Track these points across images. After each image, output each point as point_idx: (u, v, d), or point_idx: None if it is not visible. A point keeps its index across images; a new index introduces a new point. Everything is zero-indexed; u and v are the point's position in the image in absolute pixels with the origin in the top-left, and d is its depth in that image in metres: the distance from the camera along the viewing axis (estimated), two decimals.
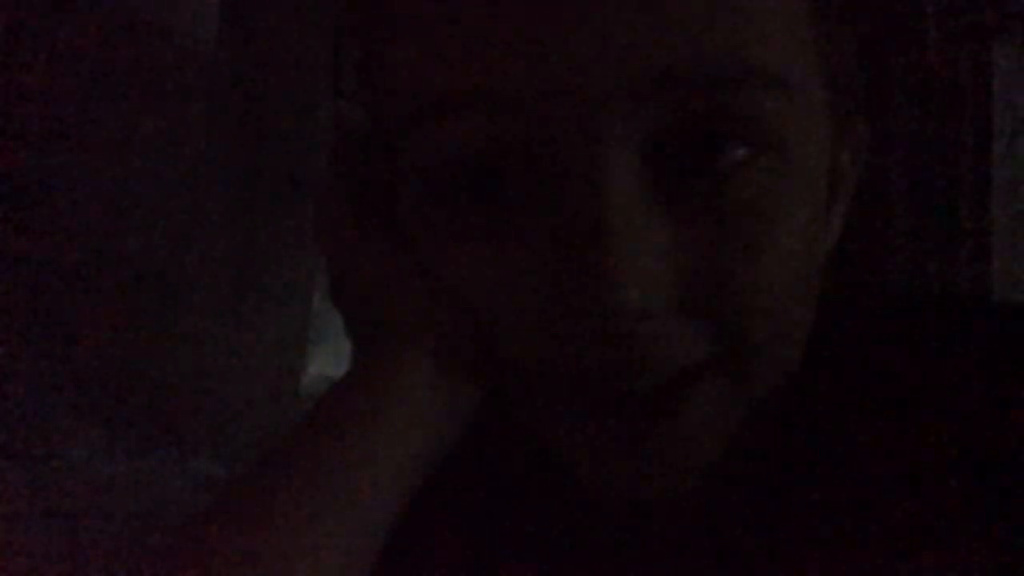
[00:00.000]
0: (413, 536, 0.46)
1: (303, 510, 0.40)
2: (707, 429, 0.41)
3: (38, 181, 1.00)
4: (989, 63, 1.67)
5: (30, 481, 1.02)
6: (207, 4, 0.99)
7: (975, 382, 0.46)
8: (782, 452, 0.48)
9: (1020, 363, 0.46)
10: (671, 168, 0.39)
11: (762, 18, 0.40)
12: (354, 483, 0.41)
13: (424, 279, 0.43)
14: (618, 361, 0.39)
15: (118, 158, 1.01)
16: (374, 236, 0.45)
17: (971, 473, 0.45)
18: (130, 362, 1.07)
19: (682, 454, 0.42)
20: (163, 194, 1.03)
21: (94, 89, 0.98)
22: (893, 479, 0.46)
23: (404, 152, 0.41)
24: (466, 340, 0.42)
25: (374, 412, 0.42)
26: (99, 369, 1.05)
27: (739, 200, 0.39)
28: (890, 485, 0.46)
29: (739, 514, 0.48)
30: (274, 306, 1.21)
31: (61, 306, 1.01)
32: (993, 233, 1.56)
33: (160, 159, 1.02)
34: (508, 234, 0.40)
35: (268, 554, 0.39)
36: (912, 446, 0.46)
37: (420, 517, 0.45)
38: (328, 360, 1.69)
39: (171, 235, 1.05)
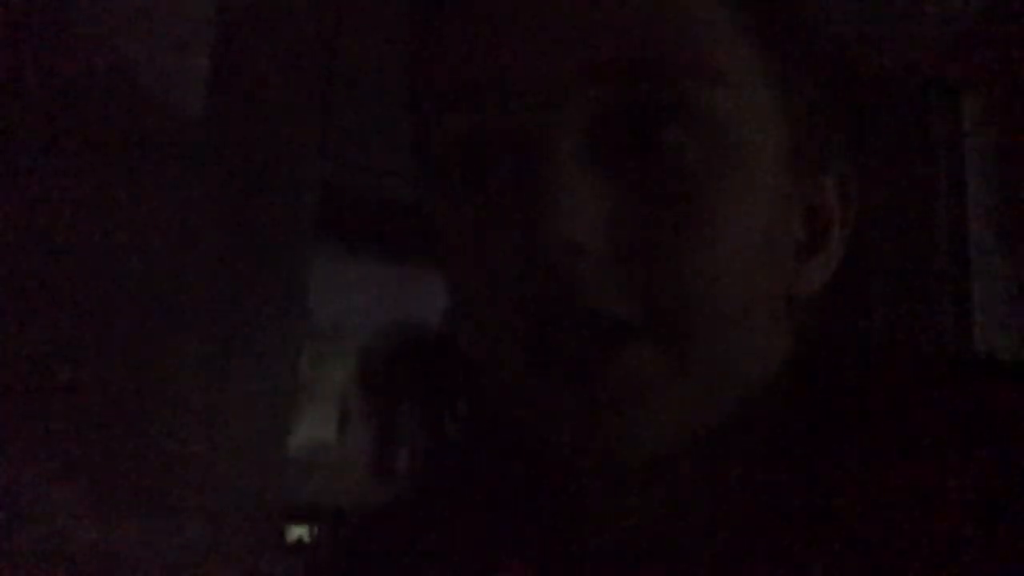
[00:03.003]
0: (409, 526, 0.52)
1: None
2: (644, 399, 0.44)
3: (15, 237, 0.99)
4: (958, 113, 1.56)
5: (11, 548, 1.00)
6: (196, 72, 0.99)
7: (959, 437, 0.46)
8: (770, 489, 0.48)
9: (1000, 421, 0.46)
10: (615, 144, 0.44)
11: (699, 19, 0.45)
12: None
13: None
14: (554, 292, 0.43)
15: (105, 221, 1.00)
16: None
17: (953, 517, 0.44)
18: (113, 424, 1.05)
19: (620, 416, 0.44)
20: (147, 257, 1.02)
21: (82, 151, 0.98)
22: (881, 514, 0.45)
23: (426, 144, 0.49)
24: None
25: None
26: (82, 432, 1.03)
27: (673, 177, 0.44)
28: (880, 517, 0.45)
29: (732, 527, 0.48)
30: (261, 369, 1.16)
31: (38, 367, 0.99)
32: (972, 285, 1.52)
33: (146, 222, 1.01)
34: (488, 205, 0.46)
35: None
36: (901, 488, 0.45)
37: (418, 510, 0.51)
38: (316, 423, 1.75)
39: (155, 297, 1.04)
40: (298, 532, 1.72)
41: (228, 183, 1.11)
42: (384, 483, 1.87)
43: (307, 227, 1.42)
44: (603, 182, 0.44)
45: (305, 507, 1.69)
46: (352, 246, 1.94)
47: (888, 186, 1.61)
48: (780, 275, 0.48)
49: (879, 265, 1.57)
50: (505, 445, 0.55)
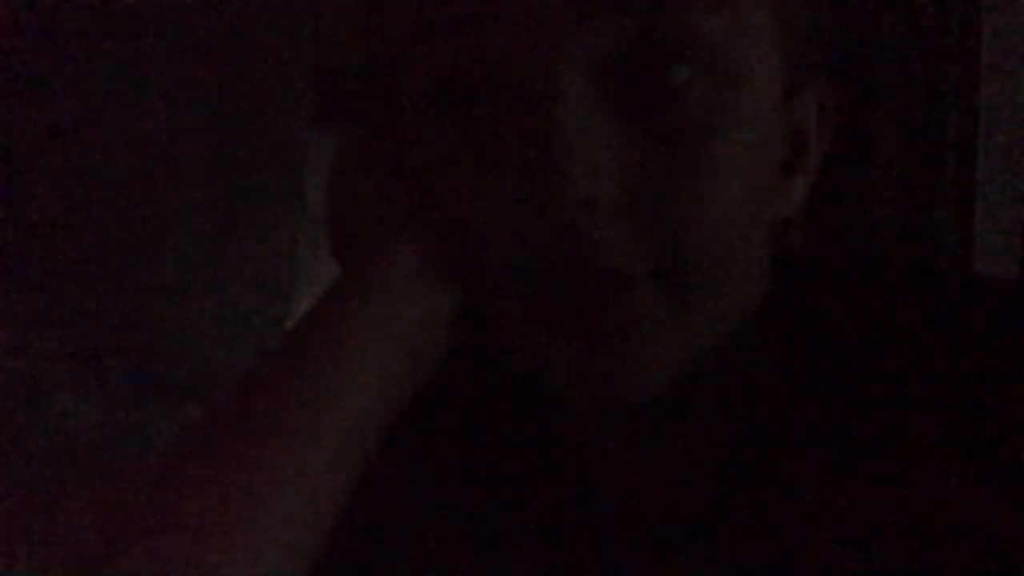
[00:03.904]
0: (391, 469, 0.50)
1: (269, 447, 0.41)
2: (650, 337, 0.44)
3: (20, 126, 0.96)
4: (978, 21, 1.51)
5: (14, 428, 1.01)
6: None
7: (956, 354, 0.46)
8: (763, 408, 0.49)
9: (997, 336, 0.46)
10: (621, 85, 0.43)
11: None
12: (325, 409, 0.42)
13: (409, 191, 0.47)
14: (566, 248, 0.42)
15: (102, 105, 0.97)
16: (364, 161, 0.50)
17: (955, 442, 0.44)
18: (113, 310, 1.04)
19: (625, 359, 0.44)
20: (139, 144, 0.99)
21: (79, 35, 0.95)
22: (876, 437, 0.46)
23: (400, 74, 0.47)
24: (447, 239, 0.46)
25: (349, 321, 0.44)
26: (82, 317, 1.02)
27: (682, 118, 0.43)
28: (874, 439, 0.46)
29: (722, 471, 0.49)
30: (258, 255, 1.13)
31: (43, 254, 0.98)
32: (976, 203, 1.47)
33: (140, 102, 0.98)
34: (483, 146, 0.44)
35: (235, 490, 0.40)
36: (894, 414, 0.45)
37: (398, 451, 0.49)
38: None
39: (147, 185, 1.01)
40: None
41: (220, 69, 1.08)
42: None
43: (301, 112, 1.37)
44: (610, 127, 0.43)
45: None
46: (347, 130, 1.87)
47: (897, 96, 1.59)
48: (768, 198, 0.48)
49: (881, 181, 1.57)
50: (501, 388, 0.54)
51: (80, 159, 0.97)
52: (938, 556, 0.43)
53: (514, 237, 0.44)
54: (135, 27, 0.99)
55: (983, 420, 0.44)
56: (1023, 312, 0.47)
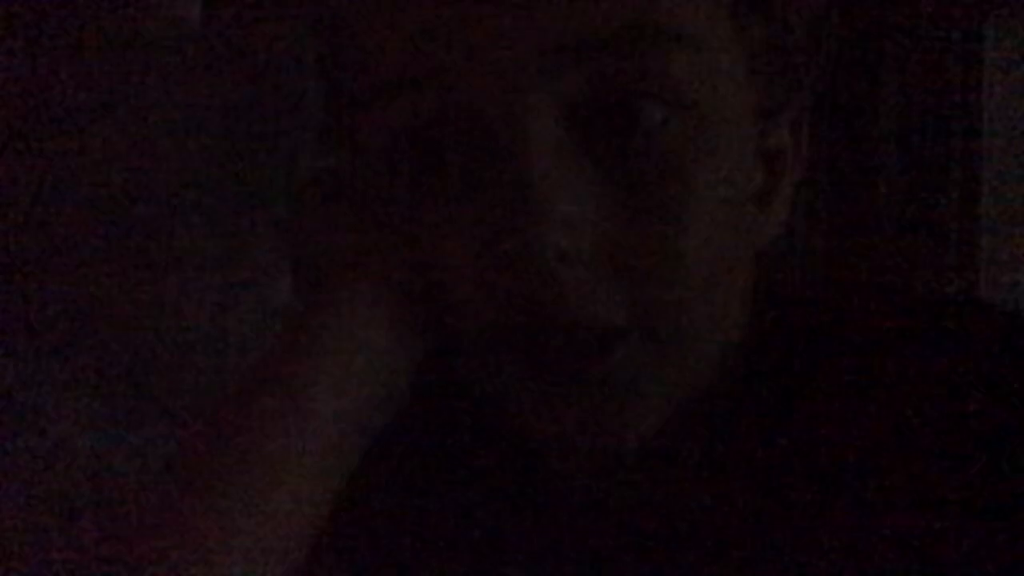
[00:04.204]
0: (361, 498, 0.49)
1: (237, 479, 0.41)
2: (636, 390, 0.43)
3: (21, 142, 0.96)
4: (979, 48, 1.53)
5: (13, 453, 1.00)
6: None
7: (959, 380, 0.45)
8: (756, 440, 0.48)
9: (1001, 367, 0.45)
10: (592, 130, 0.41)
11: None
12: (293, 444, 0.42)
13: (375, 234, 0.46)
14: (540, 304, 0.41)
15: (104, 124, 0.97)
16: (334, 201, 0.50)
17: (958, 463, 0.43)
18: (115, 334, 1.04)
19: (613, 411, 0.43)
20: (146, 167, 0.99)
21: (79, 59, 0.95)
22: (876, 460, 0.45)
23: (363, 125, 0.45)
24: (412, 282, 0.45)
25: (313, 354, 0.44)
26: (84, 340, 1.02)
27: (657, 161, 0.41)
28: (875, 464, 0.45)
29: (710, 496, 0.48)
30: (258, 278, 1.12)
31: (44, 276, 0.98)
32: (980, 231, 1.49)
33: (146, 127, 0.98)
34: (452, 196, 0.43)
35: (200, 525, 0.40)
36: (893, 438, 0.45)
37: (368, 481, 0.47)
38: None
39: (152, 210, 1.01)
40: None
41: (225, 90, 1.09)
42: None
43: (305, 139, 1.37)
44: (584, 177, 0.41)
45: None
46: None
47: (900, 126, 1.59)
48: (747, 229, 0.47)
49: (886, 209, 1.57)
50: (478, 423, 0.53)
51: (81, 185, 0.99)
52: None
53: (485, 289, 0.42)
54: (145, 52, 1.00)
55: (986, 452, 0.43)
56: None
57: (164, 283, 1.10)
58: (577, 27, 0.40)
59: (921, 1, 1.58)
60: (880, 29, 1.60)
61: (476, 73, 0.41)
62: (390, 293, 0.46)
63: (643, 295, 0.42)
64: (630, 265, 0.42)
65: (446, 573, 0.53)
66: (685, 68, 0.41)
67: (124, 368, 1.08)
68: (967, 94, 1.58)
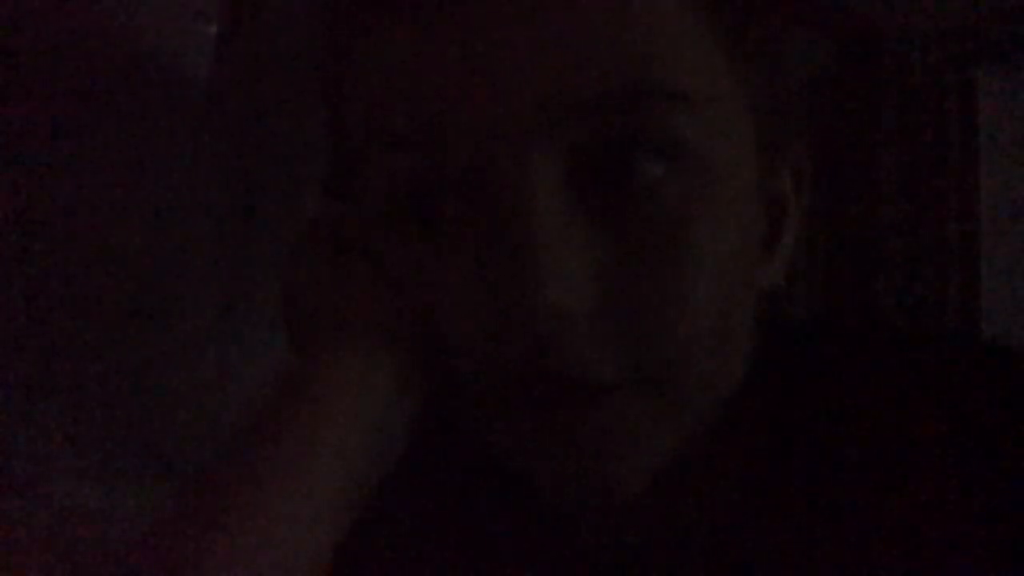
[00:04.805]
0: (364, 547, 0.49)
1: (236, 532, 0.41)
2: (635, 441, 0.44)
3: (26, 202, 0.95)
4: (973, 91, 1.54)
5: (14, 510, 1.00)
6: (204, 35, 0.96)
7: (962, 421, 0.45)
8: (760, 483, 0.48)
9: (1006, 406, 0.44)
10: (593, 185, 0.42)
11: (665, 37, 0.41)
12: (293, 499, 0.42)
13: (372, 285, 0.47)
14: (539, 360, 0.42)
15: (109, 180, 0.97)
16: (326, 251, 0.51)
17: (964, 509, 0.43)
18: (119, 388, 1.03)
19: (614, 462, 0.44)
20: (150, 222, 0.99)
21: (87, 113, 0.94)
22: (881, 511, 0.45)
23: (360, 177, 0.46)
24: (411, 334, 0.46)
25: (314, 413, 0.45)
26: (87, 396, 1.01)
27: (658, 216, 0.42)
28: (879, 514, 0.45)
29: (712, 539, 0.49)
30: (266, 334, 1.10)
31: (46, 331, 0.97)
32: (981, 267, 1.52)
33: (150, 183, 0.98)
34: (452, 249, 0.44)
35: None
36: (899, 481, 0.44)
37: (371, 531, 0.48)
38: None
39: (159, 258, 1.01)
40: None
41: (236, 142, 1.08)
42: None
43: (312, 188, 1.35)
44: (585, 232, 0.42)
45: None
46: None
47: (899, 165, 1.62)
48: (750, 277, 0.48)
49: (889, 247, 1.58)
50: (479, 466, 0.53)
51: (83, 233, 0.98)
52: None
53: (485, 345, 0.43)
54: (159, 134, 1.00)
55: (988, 490, 0.43)
56: None
57: (170, 338, 1.09)
58: (578, 85, 0.41)
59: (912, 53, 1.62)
60: (879, 72, 1.63)
61: (477, 130, 0.41)
62: (390, 345, 0.46)
63: (644, 350, 0.43)
64: (632, 320, 0.42)
65: None
66: (685, 123, 0.42)
67: (129, 426, 1.07)
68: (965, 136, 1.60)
